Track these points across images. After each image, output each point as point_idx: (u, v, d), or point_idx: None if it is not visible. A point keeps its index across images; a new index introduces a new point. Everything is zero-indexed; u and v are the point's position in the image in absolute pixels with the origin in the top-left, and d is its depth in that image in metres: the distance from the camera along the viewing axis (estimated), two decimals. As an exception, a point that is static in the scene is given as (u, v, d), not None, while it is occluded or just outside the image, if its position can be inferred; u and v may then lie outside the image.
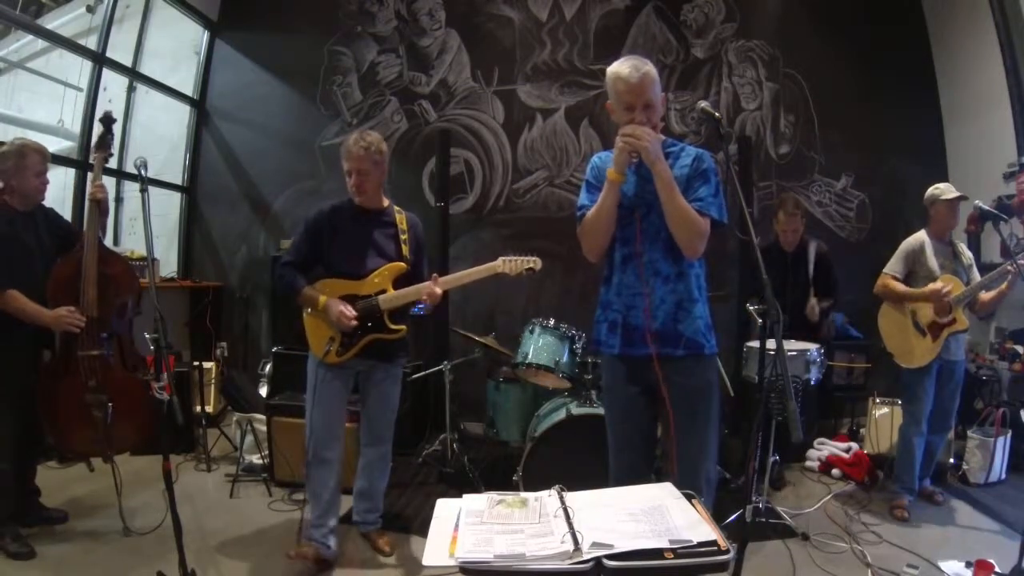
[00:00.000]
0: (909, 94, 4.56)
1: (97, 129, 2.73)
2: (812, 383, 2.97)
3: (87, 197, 2.60)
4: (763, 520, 2.81)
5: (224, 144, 4.95)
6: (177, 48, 4.92)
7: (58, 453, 3.34)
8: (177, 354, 4.04)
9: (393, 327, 2.42)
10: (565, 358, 3.07)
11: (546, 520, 1.22)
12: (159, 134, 4.90)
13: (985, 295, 2.92)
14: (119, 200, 4.83)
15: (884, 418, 3.69)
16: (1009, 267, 2.75)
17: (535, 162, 4.69)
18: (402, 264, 2.46)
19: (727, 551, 1.11)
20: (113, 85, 4.67)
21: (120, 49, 4.47)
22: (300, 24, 4.83)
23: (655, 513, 1.23)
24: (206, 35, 4.91)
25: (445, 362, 3.51)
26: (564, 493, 1.30)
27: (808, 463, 3.69)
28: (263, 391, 3.68)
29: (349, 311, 2.32)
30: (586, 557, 1.08)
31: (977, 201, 3.03)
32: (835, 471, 3.54)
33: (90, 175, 2.80)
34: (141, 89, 4.87)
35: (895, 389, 3.42)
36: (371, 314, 2.38)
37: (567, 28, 4.67)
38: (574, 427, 2.74)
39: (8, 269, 2.42)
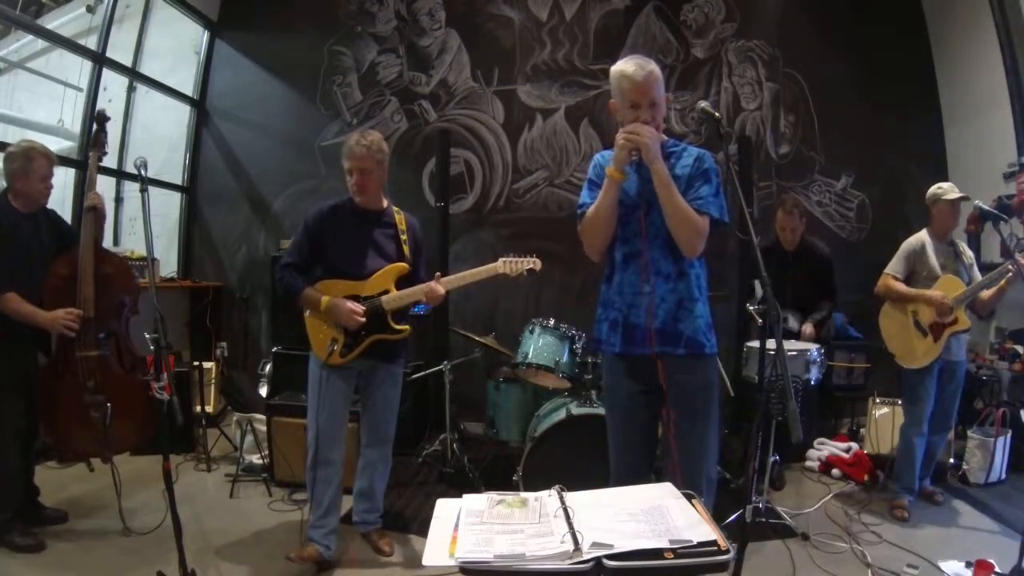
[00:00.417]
0: (909, 94, 4.57)
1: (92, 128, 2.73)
2: (812, 383, 2.97)
3: (84, 205, 2.59)
4: (763, 520, 2.81)
5: (224, 144, 4.95)
6: (177, 48, 4.91)
7: (58, 453, 3.34)
8: (177, 354, 4.04)
9: (396, 327, 2.43)
10: (565, 358, 3.07)
11: (546, 520, 1.22)
12: (159, 134, 4.89)
13: (985, 293, 2.91)
14: (119, 200, 4.83)
15: (884, 418, 3.69)
16: (1010, 267, 2.75)
17: (535, 162, 4.69)
18: (404, 265, 2.46)
19: (727, 551, 1.11)
20: (113, 85, 4.67)
21: (120, 49, 4.46)
22: (300, 24, 4.82)
23: (655, 513, 1.23)
24: (206, 35, 4.91)
25: (445, 362, 3.51)
26: (564, 493, 1.30)
27: (808, 463, 3.69)
28: (263, 391, 3.68)
29: (359, 308, 2.32)
30: (586, 557, 1.08)
31: (977, 201, 3.03)
32: (835, 471, 3.54)
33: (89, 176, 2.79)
34: (141, 89, 4.87)
35: (895, 389, 3.42)
36: (375, 315, 2.38)
37: (567, 28, 4.67)
38: (574, 427, 2.74)
39: (8, 271, 2.42)
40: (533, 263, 2.43)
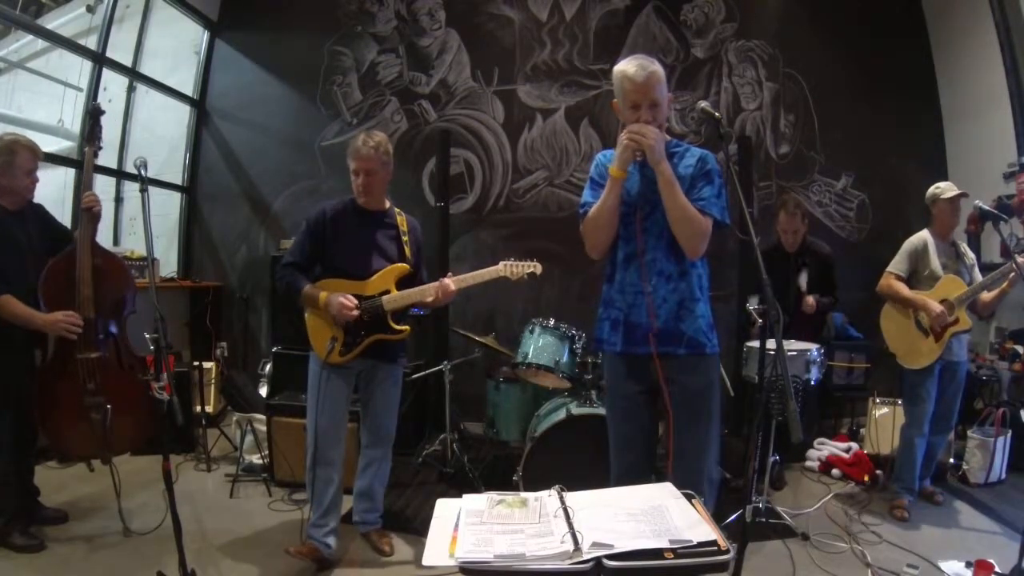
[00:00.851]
0: (909, 94, 4.57)
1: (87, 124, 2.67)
2: (812, 383, 2.97)
3: (81, 206, 2.53)
4: (763, 520, 2.81)
5: (224, 144, 4.95)
6: (177, 48, 4.91)
7: (57, 453, 3.34)
8: (177, 354, 4.04)
9: (397, 327, 2.43)
10: (565, 358, 3.07)
11: (546, 520, 1.22)
12: (159, 134, 4.89)
13: (986, 295, 2.91)
14: (119, 200, 4.83)
15: (884, 418, 3.69)
16: (1013, 267, 2.74)
17: (535, 162, 4.69)
18: (405, 265, 2.47)
19: (727, 551, 1.11)
20: (113, 85, 4.67)
21: (120, 49, 4.46)
22: (300, 24, 4.82)
23: (655, 513, 1.23)
24: (206, 35, 4.91)
25: (445, 362, 3.50)
26: (564, 493, 1.30)
27: (808, 463, 3.69)
28: (263, 391, 3.68)
29: (349, 301, 2.31)
30: (586, 557, 1.08)
31: (977, 201, 3.03)
32: (835, 471, 3.54)
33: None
34: (141, 89, 4.86)
35: (895, 389, 3.42)
36: (375, 314, 2.38)
37: (567, 28, 4.67)
38: (574, 427, 2.74)
39: (1, 273, 2.38)
40: (534, 267, 2.43)
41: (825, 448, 3.71)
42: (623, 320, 1.87)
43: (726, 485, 3.22)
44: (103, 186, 4.67)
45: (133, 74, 4.69)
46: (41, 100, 4.77)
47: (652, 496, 1.31)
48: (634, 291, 1.85)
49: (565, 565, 1.08)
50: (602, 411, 2.66)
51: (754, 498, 2.88)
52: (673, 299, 1.82)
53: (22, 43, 4.77)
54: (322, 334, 2.41)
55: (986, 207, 3.00)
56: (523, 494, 1.33)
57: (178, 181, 4.91)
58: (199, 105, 4.92)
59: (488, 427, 3.65)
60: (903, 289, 3.01)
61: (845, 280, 3.60)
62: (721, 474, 3.23)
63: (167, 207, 4.88)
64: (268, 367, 3.70)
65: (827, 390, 3.91)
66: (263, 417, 3.35)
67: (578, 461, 2.55)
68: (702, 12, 4.64)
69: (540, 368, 3.09)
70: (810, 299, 3.37)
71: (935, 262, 2.97)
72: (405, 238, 2.50)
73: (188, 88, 4.89)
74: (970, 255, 3.06)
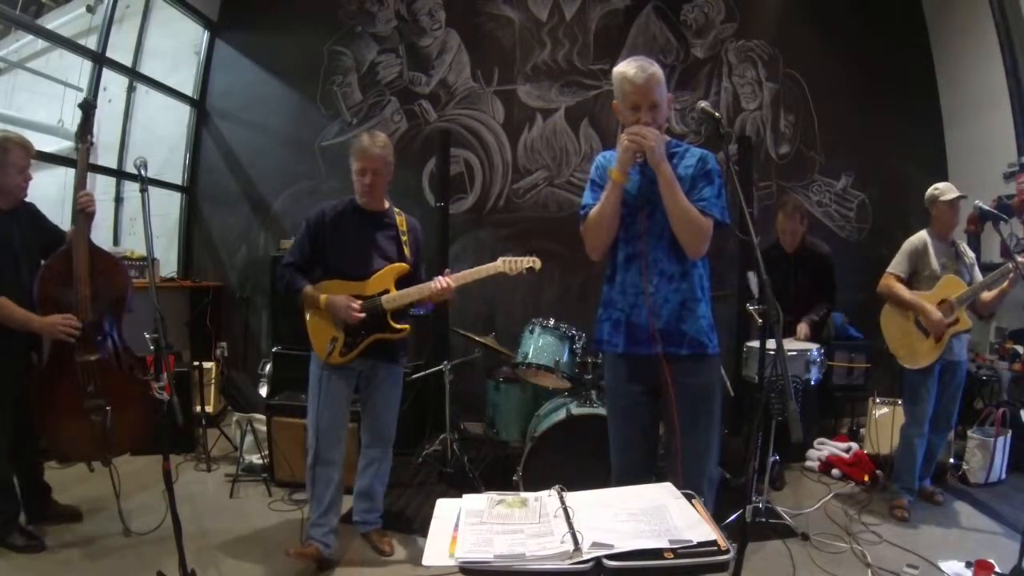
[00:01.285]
0: (909, 94, 4.57)
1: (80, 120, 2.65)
2: (812, 383, 2.96)
3: (76, 207, 2.50)
4: (763, 520, 2.81)
5: (224, 144, 4.95)
6: (177, 48, 4.91)
7: (56, 455, 3.33)
8: (177, 354, 4.04)
9: (396, 327, 2.43)
10: (565, 358, 3.07)
11: (546, 520, 1.22)
12: (159, 134, 4.89)
13: (987, 295, 2.91)
14: (119, 200, 4.83)
15: (884, 418, 3.68)
16: (1011, 267, 2.74)
17: (535, 162, 4.69)
18: (404, 265, 2.47)
19: (727, 551, 1.11)
20: (113, 85, 4.68)
21: (120, 49, 4.47)
22: (300, 24, 4.82)
23: (655, 513, 1.23)
24: (206, 35, 4.91)
25: (445, 362, 3.51)
26: (564, 493, 1.30)
27: (808, 463, 3.69)
28: (263, 391, 3.68)
29: (355, 303, 2.33)
30: (586, 557, 1.08)
31: (977, 201, 3.03)
32: (835, 471, 3.54)
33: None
34: (141, 89, 4.87)
35: (895, 389, 3.42)
36: (375, 314, 2.39)
37: (567, 28, 4.67)
38: (574, 427, 2.74)
39: None
40: (532, 261, 2.43)
41: (825, 448, 3.71)
42: (624, 321, 1.86)
43: (726, 485, 3.22)
44: (103, 186, 4.68)
45: (133, 74, 4.70)
46: (41, 100, 4.78)
47: (652, 496, 1.31)
48: (635, 292, 1.85)
49: (565, 565, 1.08)
50: (602, 411, 2.66)
51: (754, 498, 2.88)
52: (675, 299, 1.82)
53: (22, 43, 4.77)
54: (322, 334, 2.41)
55: (986, 207, 3.00)
56: (523, 494, 1.33)
57: (178, 181, 4.91)
58: (199, 105, 4.92)
59: (488, 427, 3.65)
60: (903, 291, 3.00)
61: (845, 280, 3.60)
62: (721, 474, 3.23)
63: (167, 207, 4.88)
64: (268, 367, 3.70)
65: (827, 390, 3.90)
66: (263, 417, 3.34)
67: (578, 461, 2.55)
68: (702, 12, 4.64)
69: (540, 368, 3.09)
70: (802, 327, 3.34)
71: (935, 262, 2.97)
72: (404, 238, 2.50)
73: (188, 88, 4.89)
74: (970, 255, 3.06)
